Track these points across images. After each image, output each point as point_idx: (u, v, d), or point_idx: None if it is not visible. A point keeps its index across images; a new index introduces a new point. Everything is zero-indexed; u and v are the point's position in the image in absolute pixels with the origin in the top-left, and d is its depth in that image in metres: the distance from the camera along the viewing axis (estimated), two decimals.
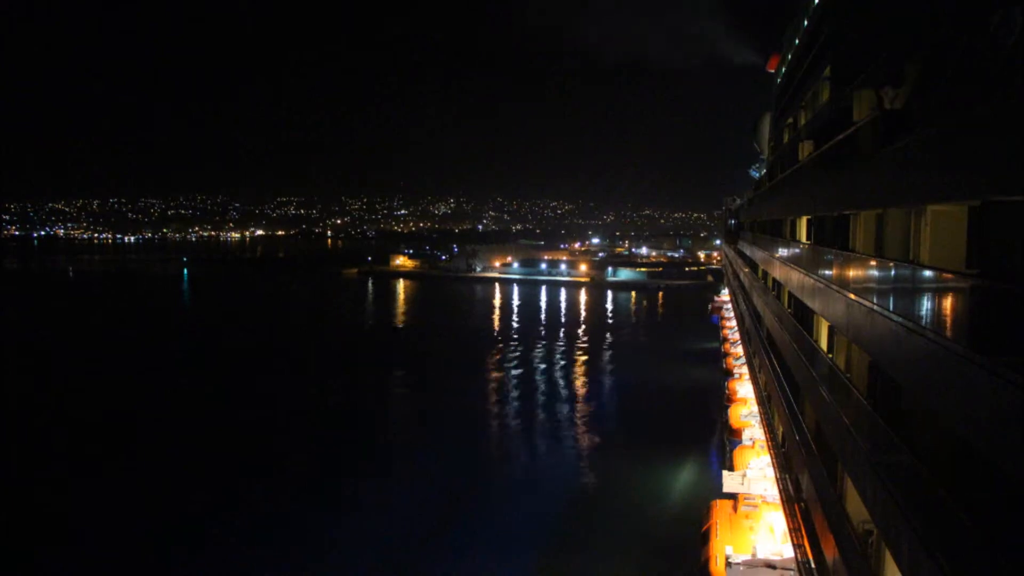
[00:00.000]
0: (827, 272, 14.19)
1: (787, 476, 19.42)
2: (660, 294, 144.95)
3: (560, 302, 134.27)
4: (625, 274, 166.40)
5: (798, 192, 22.05)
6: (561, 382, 67.56)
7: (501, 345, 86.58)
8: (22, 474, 43.12)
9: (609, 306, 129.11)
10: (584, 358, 78.54)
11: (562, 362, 76.09)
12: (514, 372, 71.39)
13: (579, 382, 67.82)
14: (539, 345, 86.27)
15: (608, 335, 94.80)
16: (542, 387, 65.00)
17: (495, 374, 71.19)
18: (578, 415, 56.07)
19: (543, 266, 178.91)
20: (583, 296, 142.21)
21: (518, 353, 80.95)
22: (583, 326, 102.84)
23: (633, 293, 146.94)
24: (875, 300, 10.01)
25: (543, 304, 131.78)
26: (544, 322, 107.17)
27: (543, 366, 73.81)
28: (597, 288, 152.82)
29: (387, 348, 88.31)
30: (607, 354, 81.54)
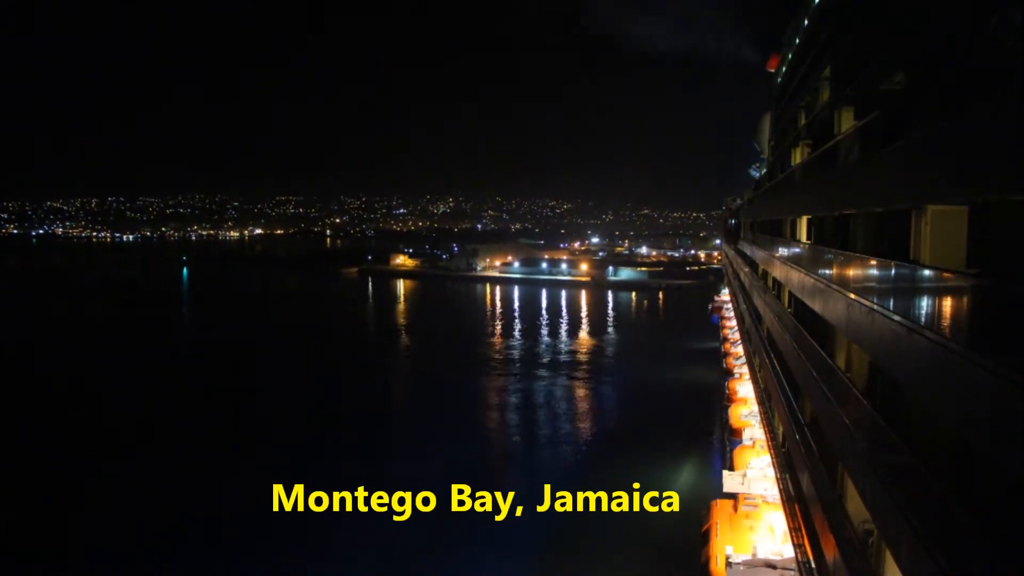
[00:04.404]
0: (827, 272, 14.18)
1: (787, 476, 19.41)
2: (661, 294, 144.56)
3: (563, 302, 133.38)
4: (626, 274, 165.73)
5: (798, 192, 22.06)
6: (565, 384, 67.24)
7: (504, 347, 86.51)
8: (26, 472, 43.14)
9: (611, 306, 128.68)
10: (588, 358, 78.56)
11: (566, 363, 76.02)
12: (516, 375, 71.15)
13: (583, 383, 67.60)
14: (543, 345, 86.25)
15: (612, 335, 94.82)
16: (546, 389, 64.77)
17: (498, 380, 70.32)
18: (583, 415, 56.11)
19: (544, 266, 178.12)
20: (585, 296, 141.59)
21: (521, 355, 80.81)
22: (586, 326, 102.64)
23: (634, 293, 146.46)
24: (875, 300, 10.00)
25: (546, 305, 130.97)
26: (548, 323, 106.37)
27: (546, 368, 73.46)
28: (598, 288, 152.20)
29: (390, 350, 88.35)
30: (612, 355, 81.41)
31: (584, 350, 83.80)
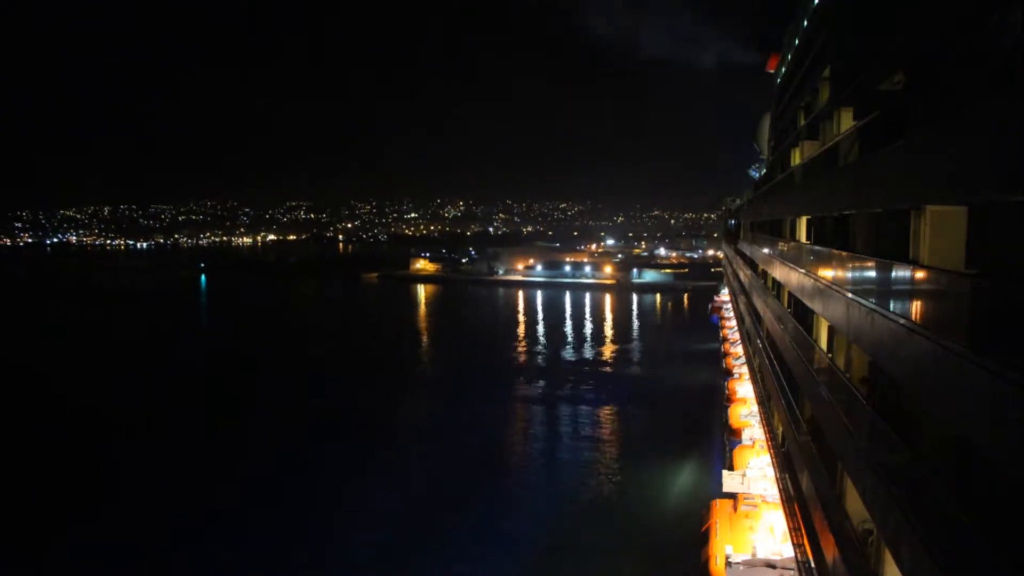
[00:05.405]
0: (827, 272, 14.18)
1: (787, 476, 19.41)
2: (687, 296, 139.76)
3: (593, 306, 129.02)
4: (651, 276, 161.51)
5: (798, 192, 22.07)
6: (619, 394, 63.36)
7: (555, 352, 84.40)
8: (26, 471, 43.15)
9: (642, 310, 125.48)
10: (637, 368, 77.34)
11: (616, 369, 74.70)
12: (567, 389, 66.30)
13: (638, 392, 64.11)
14: (591, 350, 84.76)
15: (657, 341, 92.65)
16: (599, 400, 61.83)
17: (546, 392, 64.99)
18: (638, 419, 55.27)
19: (566, 268, 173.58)
20: (611, 300, 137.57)
21: (571, 368, 77.18)
22: (631, 331, 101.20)
23: (659, 295, 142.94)
24: (875, 300, 10.00)
25: (577, 309, 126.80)
26: (587, 327, 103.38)
27: (603, 374, 71.66)
28: (623, 291, 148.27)
29: (433, 359, 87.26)
30: (664, 363, 77.36)
31: (632, 355, 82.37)
